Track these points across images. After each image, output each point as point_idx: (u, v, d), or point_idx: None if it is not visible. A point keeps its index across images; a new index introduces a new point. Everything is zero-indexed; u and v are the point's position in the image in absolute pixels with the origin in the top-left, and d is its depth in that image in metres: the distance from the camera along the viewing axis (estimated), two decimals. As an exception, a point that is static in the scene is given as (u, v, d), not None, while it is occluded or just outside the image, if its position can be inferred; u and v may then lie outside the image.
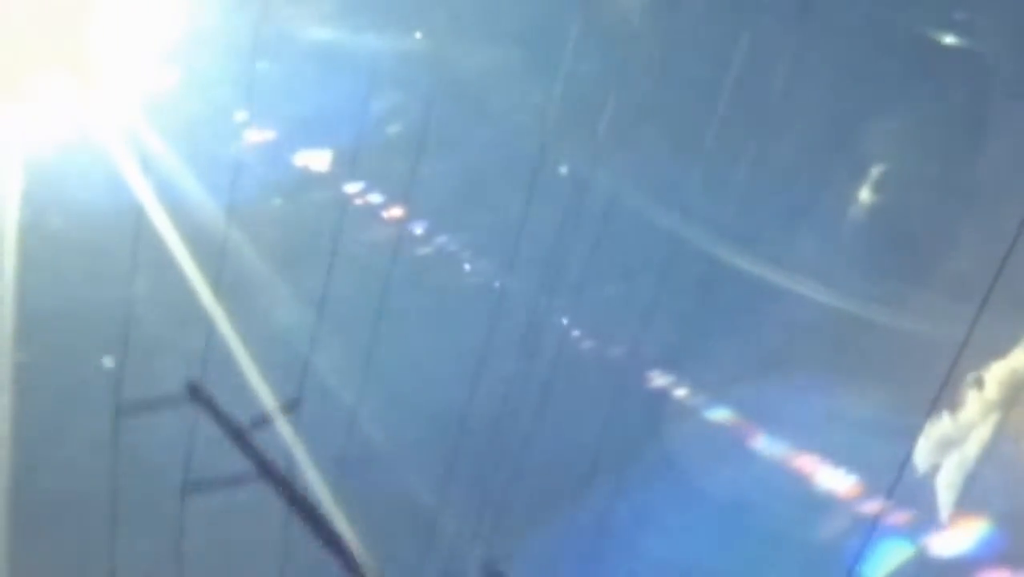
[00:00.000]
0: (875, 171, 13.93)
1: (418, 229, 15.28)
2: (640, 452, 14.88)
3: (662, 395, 15.03)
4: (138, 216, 12.43)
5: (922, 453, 12.71)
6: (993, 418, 12.61)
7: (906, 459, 12.19)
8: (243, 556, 13.58)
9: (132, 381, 12.55)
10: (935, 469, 12.73)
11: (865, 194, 13.97)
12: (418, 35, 14.34)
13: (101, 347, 13.16)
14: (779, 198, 14.63)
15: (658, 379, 14.99)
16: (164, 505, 12.21)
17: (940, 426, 12.72)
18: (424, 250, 15.24)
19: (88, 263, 13.44)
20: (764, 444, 14.25)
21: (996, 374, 12.47)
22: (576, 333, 15.14)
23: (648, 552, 14.54)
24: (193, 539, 12.37)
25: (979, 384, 12.56)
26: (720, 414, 14.70)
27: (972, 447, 12.59)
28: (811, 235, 14.41)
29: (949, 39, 13.56)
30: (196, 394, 12.60)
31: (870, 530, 11.25)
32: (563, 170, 14.31)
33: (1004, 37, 13.22)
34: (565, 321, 15.09)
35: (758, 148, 14.35)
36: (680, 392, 15.01)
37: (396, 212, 15.17)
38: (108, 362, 12.99)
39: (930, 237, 13.68)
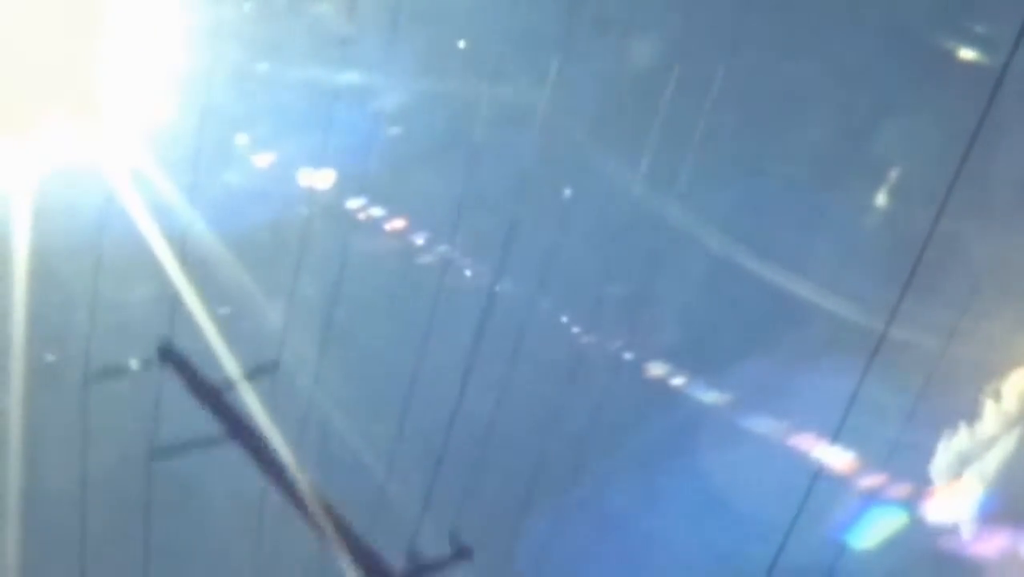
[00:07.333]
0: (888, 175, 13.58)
1: (419, 239, 15.35)
2: (637, 450, 14.83)
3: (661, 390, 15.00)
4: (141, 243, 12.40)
5: (941, 468, 12.37)
6: (1014, 432, 12.22)
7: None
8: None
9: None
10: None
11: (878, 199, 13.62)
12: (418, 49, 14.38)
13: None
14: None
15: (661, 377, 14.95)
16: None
17: (958, 441, 12.36)
18: (425, 258, 15.30)
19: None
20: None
21: (1015, 385, 12.08)
22: (580, 333, 15.08)
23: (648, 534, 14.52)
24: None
25: (997, 396, 12.18)
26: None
27: (992, 462, 12.20)
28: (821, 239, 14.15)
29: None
30: (168, 356, 11.78)
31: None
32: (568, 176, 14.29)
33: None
34: (566, 322, 15.07)
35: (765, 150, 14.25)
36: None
37: (398, 223, 15.28)
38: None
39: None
